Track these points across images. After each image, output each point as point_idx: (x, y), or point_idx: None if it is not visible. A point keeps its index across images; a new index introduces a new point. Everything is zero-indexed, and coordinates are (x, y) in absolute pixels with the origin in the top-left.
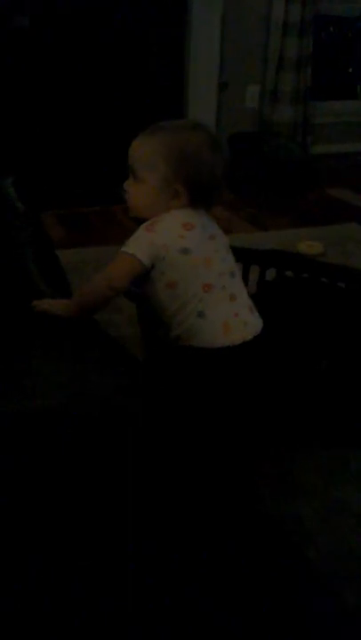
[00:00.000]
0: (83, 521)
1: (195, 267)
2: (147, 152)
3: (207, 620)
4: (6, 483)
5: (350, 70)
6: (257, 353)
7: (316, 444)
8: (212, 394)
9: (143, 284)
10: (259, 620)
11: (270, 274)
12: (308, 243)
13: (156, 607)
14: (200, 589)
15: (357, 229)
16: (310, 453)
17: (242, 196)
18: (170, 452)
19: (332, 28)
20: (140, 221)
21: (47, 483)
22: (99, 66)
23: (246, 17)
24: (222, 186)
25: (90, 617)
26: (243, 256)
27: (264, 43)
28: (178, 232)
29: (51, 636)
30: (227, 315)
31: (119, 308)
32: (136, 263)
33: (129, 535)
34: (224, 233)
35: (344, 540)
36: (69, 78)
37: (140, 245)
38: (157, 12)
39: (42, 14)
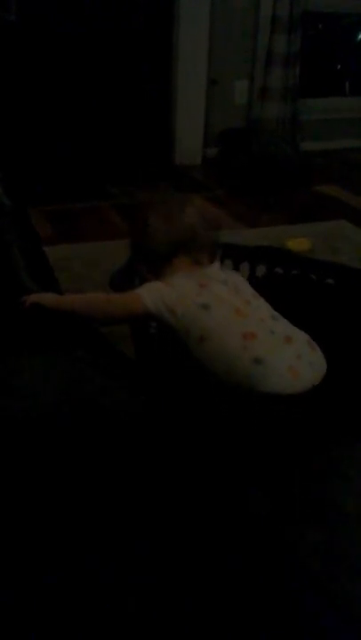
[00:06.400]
0: (82, 522)
1: (223, 319)
2: None
3: (207, 619)
4: (6, 484)
5: (339, 67)
6: (325, 396)
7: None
8: (274, 439)
9: (184, 351)
10: (258, 619)
11: (260, 270)
12: (297, 239)
13: (155, 607)
14: (200, 589)
15: (346, 226)
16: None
17: (231, 193)
18: (170, 452)
19: (320, 25)
20: (128, 217)
21: (45, 484)
22: (87, 63)
23: (235, 13)
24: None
25: (90, 617)
26: (233, 253)
27: (253, 39)
28: (194, 290)
29: (51, 635)
30: (289, 359)
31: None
32: (140, 304)
33: (129, 535)
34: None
35: (336, 540)
36: (57, 75)
37: (150, 292)
38: (145, 8)
39: (29, 10)
